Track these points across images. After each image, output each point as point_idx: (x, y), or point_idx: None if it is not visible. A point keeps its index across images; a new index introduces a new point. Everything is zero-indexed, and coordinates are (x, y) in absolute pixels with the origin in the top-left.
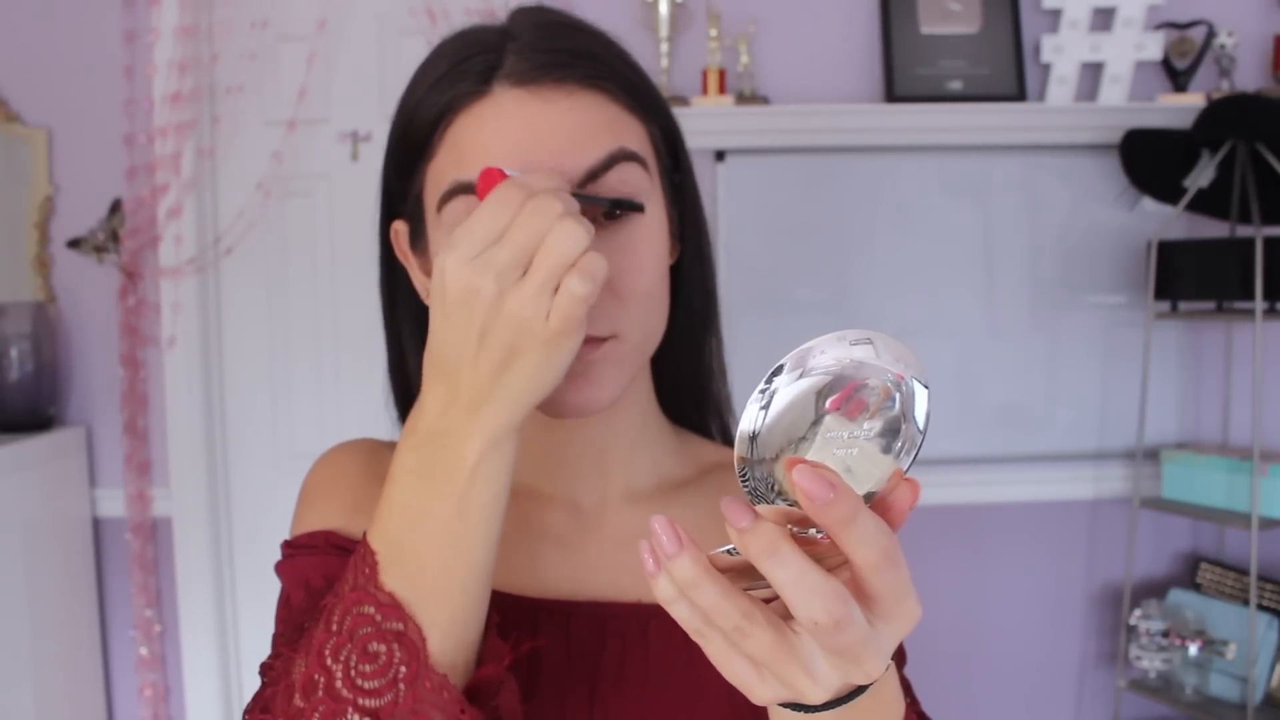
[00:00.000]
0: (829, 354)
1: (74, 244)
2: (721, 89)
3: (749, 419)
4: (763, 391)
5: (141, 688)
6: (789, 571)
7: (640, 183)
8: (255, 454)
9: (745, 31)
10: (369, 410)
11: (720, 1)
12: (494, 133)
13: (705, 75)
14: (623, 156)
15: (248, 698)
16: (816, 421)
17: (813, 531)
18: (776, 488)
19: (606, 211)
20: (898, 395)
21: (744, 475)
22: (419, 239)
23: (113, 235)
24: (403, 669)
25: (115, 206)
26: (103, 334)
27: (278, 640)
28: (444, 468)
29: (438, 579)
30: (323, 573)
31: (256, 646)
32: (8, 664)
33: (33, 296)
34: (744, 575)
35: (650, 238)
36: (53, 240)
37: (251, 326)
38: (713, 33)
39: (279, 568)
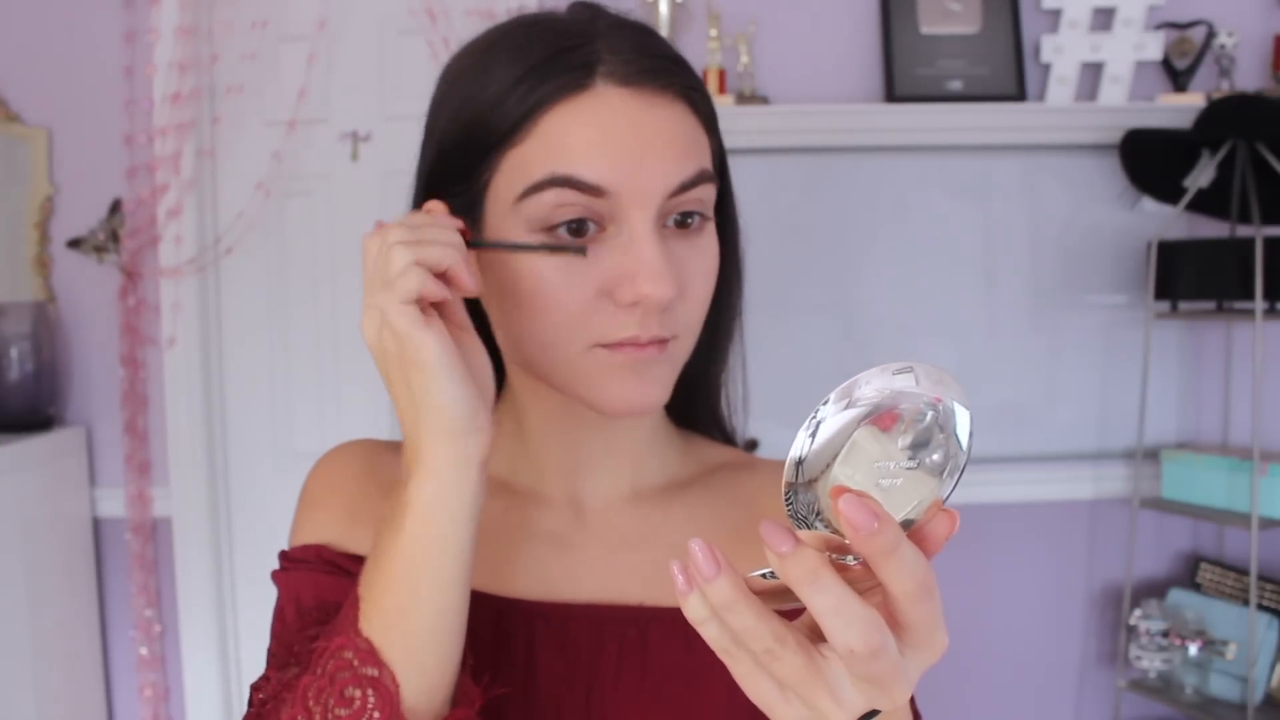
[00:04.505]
0: (873, 385)
1: (74, 244)
2: (721, 89)
3: (797, 445)
4: (811, 420)
5: (141, 688)
6: (829, 599)
7: (710, 201)
8: (255, 454)
9: (745, 31)
10: (369, 410)
11: (720, 1)
12: (600, 130)
13: (705, 75)
14: (707, 178)
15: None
16: (856, 444)
17: (849, 559)
18: (819, 513)
19: (680, 220)
20: (930, 413)
21: (789, 500)
22: (472, 228)
23: (113, 235)
24: (376, 714)
25: (115, 206)
26: (103, 334)
27: (270, 660)
28: (394, 509)
29: (397, 621)
30: (314, 591)
31: (256, 647)
32: (8, 664)
33: (33, 296)
34: (774, 597)
35: (715, 248)
36: (53, 240)
37: (251, 326)
38: (713, 33)
39: (275, 578)
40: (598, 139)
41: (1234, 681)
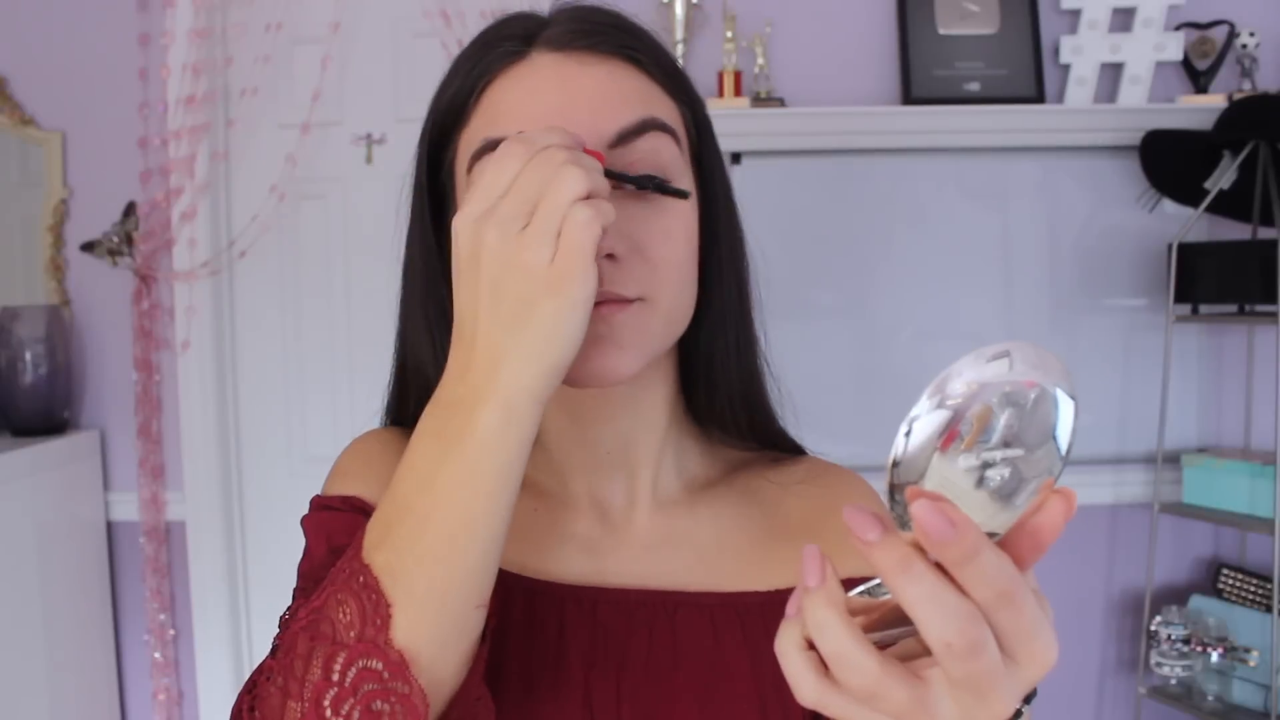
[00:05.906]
0: (965, 376)
1: (88, 247)
2: (737, 91)
3: (896, 445)
4: (907, 419)
5: (155, 692)
6: (922, 587)
7: (673, 158)
8: (269, 457)
9: (761, 33)
10: (383, 412)
11: (736, 3)
12: (529, 92)
13: (721, 77)
14: (655, 125)
15: None
16: (940, 454)
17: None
18: None
19: (638, 181)
20: (1007, 410)
21: (893, 500)
22: (444, 214)
23: (127, 238)
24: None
25: (129, 210)
26: (117, 337)
27: (295, 594)
28: (456, 431)
29: (437, 543)
30: (347, 531)
31: None
32: (22, 668)
33: (47, 300)
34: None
35: (682, 210)
36: (67, 243)
37: (265, 329)
38: (728, 34)
39: (304, 521)
40: (524, 100)
41: (1256, 689)
